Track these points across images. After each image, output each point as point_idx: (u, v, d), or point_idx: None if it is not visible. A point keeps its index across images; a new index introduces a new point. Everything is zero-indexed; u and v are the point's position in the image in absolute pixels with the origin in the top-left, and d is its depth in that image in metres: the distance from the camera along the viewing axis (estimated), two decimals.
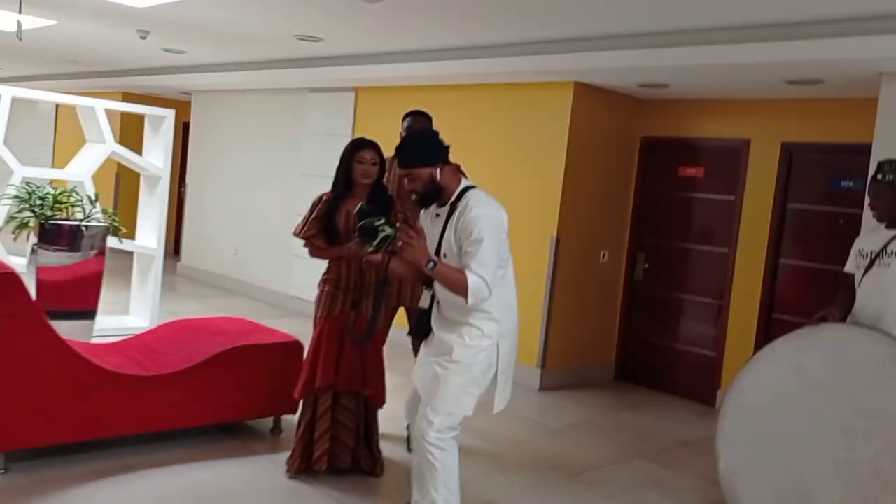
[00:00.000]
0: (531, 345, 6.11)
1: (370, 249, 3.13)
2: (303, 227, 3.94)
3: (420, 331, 3.29)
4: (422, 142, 3.10)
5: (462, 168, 3.26)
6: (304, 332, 7.54)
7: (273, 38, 6.57)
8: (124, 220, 5.71)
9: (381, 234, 3.09)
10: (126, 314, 6.93)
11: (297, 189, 8.39)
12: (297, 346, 4.51)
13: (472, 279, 2.88)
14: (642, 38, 5.14)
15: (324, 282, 4.00)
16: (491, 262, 2.91)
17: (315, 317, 4.03)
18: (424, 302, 3.33)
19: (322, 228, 3.89)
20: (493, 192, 3.19)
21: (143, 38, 6.91)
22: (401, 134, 4.51)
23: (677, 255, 6.38)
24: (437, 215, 3.13)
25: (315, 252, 4.00)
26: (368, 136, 3.96)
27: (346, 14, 5.47)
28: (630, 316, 6.65)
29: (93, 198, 5.56)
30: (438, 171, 3.02)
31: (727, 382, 5.94)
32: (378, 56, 6.83)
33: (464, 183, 3.12)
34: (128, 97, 10.95)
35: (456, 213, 3.02)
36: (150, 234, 6.67)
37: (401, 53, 6.63)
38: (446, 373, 3.03)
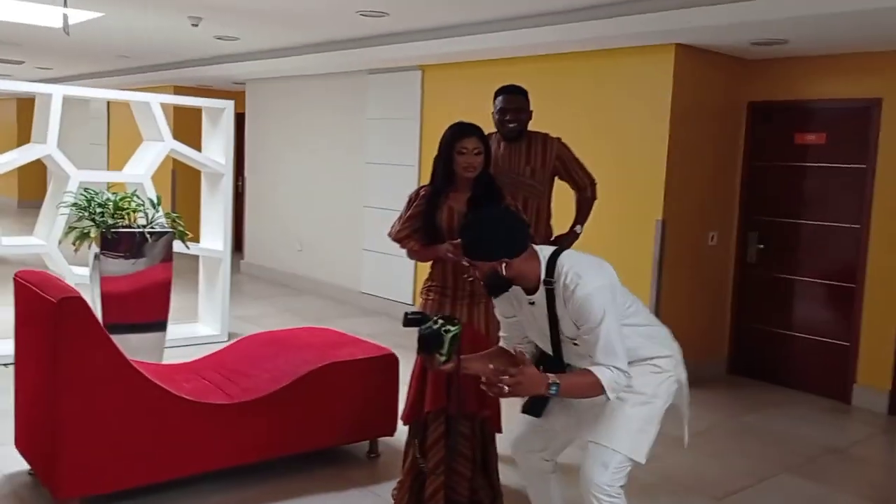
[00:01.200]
0: None
1: (443, 360, 2.52)
2: (397, 227, 3.42)
3: (537, 409, 2.67)
4: (482, 233, 2.51)
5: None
6: (381, 332, 7.14)
7: (333, 15, 6.03)
8: (185, 220, 5.27)
9: (448, 337, 2.50)
10: (195, 321, 6.53)
11: (361, 178, 7.88)
12: (393, 359, 3.99)
13: (605, 376, 2.37)
14: None
15: (427, 290, 3.46)
16: (618, 344, 2.39)
17: None
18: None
19: (418, 228, 3.37)
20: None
21: (195, 24, 6.44)
22: (493, 115, 3.95)
23: (796, 234, 5.69)
24: (532, 303, 2.54)
25: (412, 254, 3.48)
26: (466, 121, 3.39)
27: None
28: (743, 303, 5.99)
29: (155, 201, 5.11)
30: (504, 265, 2.46)
31: (865, 376, 5.27)
32: (446, 29, 6.24)
33: (543, 256, 2.52)
34: (179, 90, 10.56)
35: (558, 297, 2.45)
36: (215, 235, 6.23)
37: (472, 25, 6.03)
38: (623, 405, 2.49)
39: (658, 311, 5.45)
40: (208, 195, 6.32)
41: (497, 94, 3.97)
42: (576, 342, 2.47)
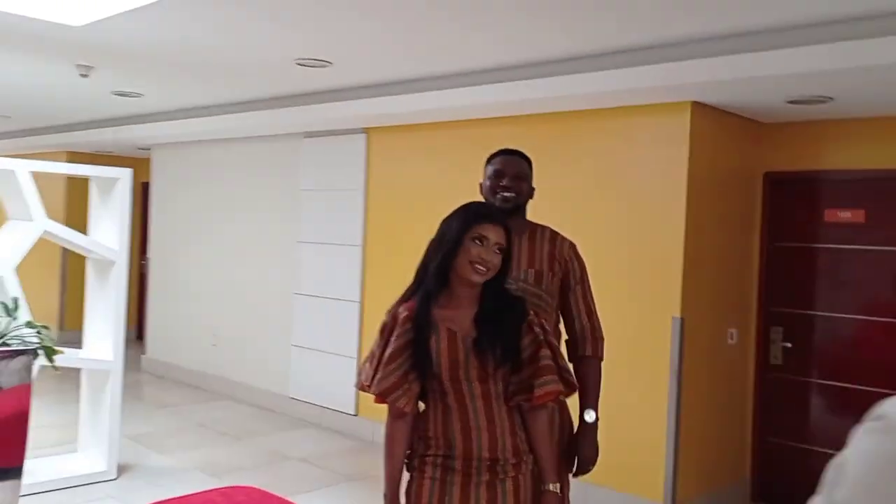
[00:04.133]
0: (655, 473, 4.35)
1: None
2: (373, 375, 2.20)
3: None
4: None
5: None
6: (317, 454, 5.74)
7: (261, 67, 4.85)
8: (73, 314, 3.89)
9: None
10: (74, 451, 5.02)
11: (292, 260, 6.59)
12: None
13: None
14: (800, 32, 3.55)
15: (422, 460, 2.23)
16: None
17: None
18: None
19: (411, 369, 2.19)
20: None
21: (85, 75, 5.15)
22: (480, 186, 2.82)
23: (829, 330, 4.71)
24: None
25: (391, 442, 2.27)
26: (484, 203, 2.27)
27: (364, 25, 3.79)
28: (767, 414, 4.93)
29: (11, 306, 3.70)
30: None
31: None
32: (400, 84, 5.14)
33: None
34: (74, 157, 9.10)
35: None
36: (102, 339, 4.82)
37: (431, 79, 4.94)
38: None
39: (679, 434, 4.32)
40: (96, 287, 4.92)
41: (491, 157, 2.84)
42: None
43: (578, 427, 2.72)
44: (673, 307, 4.31)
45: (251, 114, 6.20)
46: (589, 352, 2.73)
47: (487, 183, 2.77)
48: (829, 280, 4.71)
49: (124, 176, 4.78)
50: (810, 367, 4.78)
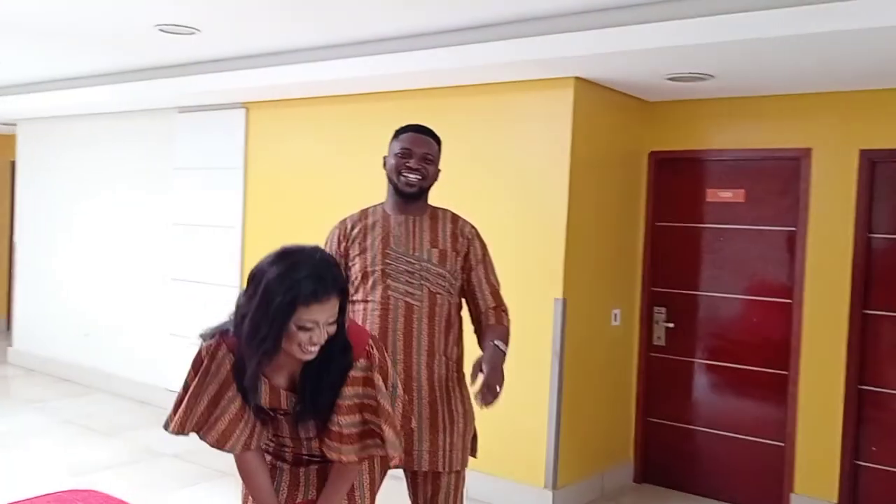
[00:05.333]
0: (536, 458, 4.26)
1: None
2: (174, 412, 1.95)
3: None
4: None
5: None
6: (193, 450, 5.42)
7: (124, 32, 4.47)
8: None
9: None
10: None
11: (167, 244, 6.20)
12: None
13: None
14: (677, 6, 3.48)
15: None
16: None
17: None
18: None
19: (241, 409, 1.95)
20: None
21: None
22: (384, 162, 2.63)
23: (712, 309, 4.72)
24: None
25: (247, 475, 2.08)
26: (308, 251, 1.90)
27: None
28: (650, 395, 4.92)
29: None
30: None
31: (805, 484, 4.30)
32: (278, 55, 4.84)
33: None
34: None
35: None
36: None
37: (311, 49, 4.68)
38: None
39: (560, 418, 4.24)
40: None
41: (398, 132, 2.64)
42: None
43: (485, 352, 2.47)
44: (555, 289, 4.21)
45: (120, 86, 5.76)
46: (493, 321, 2.61)
47: (392, 161, 2.59)
48: (711, 260, 4.72)
49: None
50: (693, 347, 4.78)
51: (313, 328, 1.81)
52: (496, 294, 2.65)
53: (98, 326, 6.82)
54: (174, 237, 6.13)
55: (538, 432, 4.24)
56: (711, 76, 4.01)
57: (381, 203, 2.68)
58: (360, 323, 2.50)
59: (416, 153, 2.56)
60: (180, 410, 1.92)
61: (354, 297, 2.58)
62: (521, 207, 4.35)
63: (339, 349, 1.90)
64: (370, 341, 2.00)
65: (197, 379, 1.92)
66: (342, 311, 1.89)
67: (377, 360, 1.98)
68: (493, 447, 3.34)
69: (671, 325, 4.82)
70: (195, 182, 5.98)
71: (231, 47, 4.78)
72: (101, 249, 6.79)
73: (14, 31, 4.57)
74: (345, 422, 1.92)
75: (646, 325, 4.89)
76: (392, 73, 4.43)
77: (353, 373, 1.93)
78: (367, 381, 1.94)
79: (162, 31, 4.35)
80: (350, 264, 2.60)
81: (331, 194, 5.03)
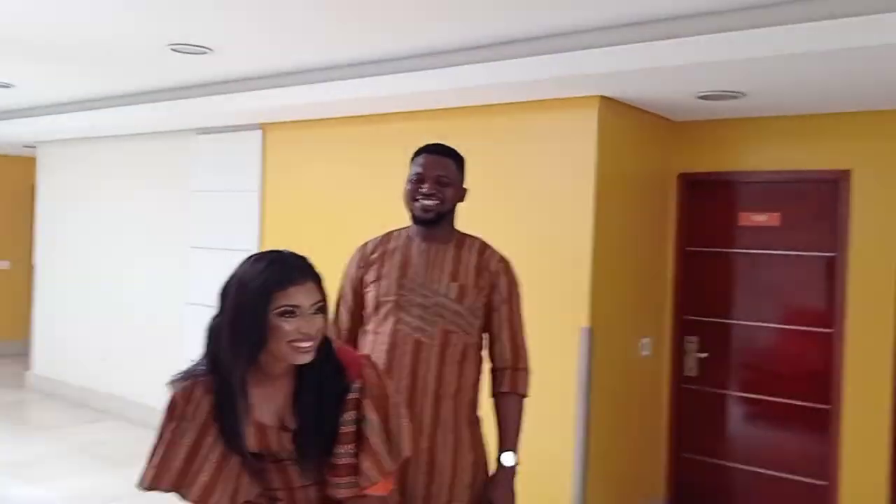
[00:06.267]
0: (561, 495, 4.03)
1: None
2: (148, 464, 1.69)
3: None
4: None
5: None
6: None
7: (133, 49, 4.37)
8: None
9: None
10: None
11: (184, 268, 6.09)
12: None
13: None
14: (705, 20, 3.29)
15: None
16: None
17: None
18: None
19: (223, 460, 1.69)
20: None
21: None
22: (410, 180, 2.42)
23: (748, 339, 4.48)
24: None
25: None
26: (292, 250, 1.77)
27: (250, 8, 3.39)
28: (682, 428, 4.68)
29: None
30: None
31: None
32: (294, 75, 4.72)
33: None
34: None
35: None
36: None
37: (332, 68, 4.55)
38: None
39: (587, 445, 4.02)
40: None
41: (414, 154, 2.47)
42: None
43: (495, 471, 2.36)
44: (581, 317, 4.00)
45: (138, 107, 5.68)
46: (507, 388, 2.39)
47: (407, 187, 2.40)
48: (746, 287, 4.49)
49: None
50: (727, 379, 4.54)
51: (297, 315, 1.63)
52: (516, 346, 2.42)
53: (115, 351, 6.72)
54: (192, 261, 6.02)
55: (563, 468, 4.02)
56: (743, 94, 3.81)
57: (408, 227, 2.50)
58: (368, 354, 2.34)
59: (429, 176, 2.37)
60: (154, 462, 1.68)
61: (365, 328, 2.41)
62: (543, 232, 4.16)
63: (331, 371, 1.72)
64: (364, 361, 1.81)
65: (172, 425, 1.69)
66: (325, 308, 1.70)
67: (372, 380, 1.78)
68: (518, 481, 3.13)
69: (704, 354, 4.59)
70: (213, 204, 5.87)
71: (245, 67, 4.67)
72: (120, 272, 6.70)
73: (31, 52, 4.51)
74: (351, 451, 1.73)
75: (677, 354, 4.65)
76: (409, 93, 4.28)
77: (349, 395, 1.74)
78: (357, 405, 1.74)
79: (175, 50, 4.25)
80: (365, 291, 2.42)
81: (348, 217, 4.88)
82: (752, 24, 3.19)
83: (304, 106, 4.84)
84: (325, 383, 1.70)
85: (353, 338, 2.46)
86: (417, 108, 4.60)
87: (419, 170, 2.38)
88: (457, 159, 2.45)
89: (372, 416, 1.74)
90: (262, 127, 5.55)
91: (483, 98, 4.25)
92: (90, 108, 6.04)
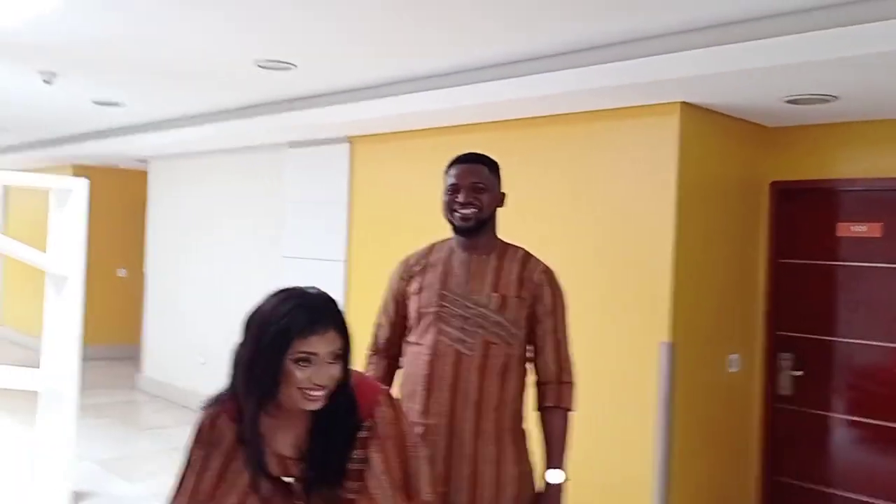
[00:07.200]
0: None
1: None
2: (177, 491, 1.72)
3: None
4: None
5: None
6: None
7: (222, 66, 4.56)
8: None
9: None
10: (31, 478, 4.76)
11: (278, 276, 6.28)
12: None
13: None
14: (791, 19, 3.11)
15: None
16: None
17: None
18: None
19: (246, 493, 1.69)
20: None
21: (48, 81, 4.93)
22: (445, 192, 2.43)
23: (848, 357, 4.20)
24: None
25: None
26: (309, 294, 1.72)
27: (329, 23, 3.48)
28: (775, 451, 4.43)
29: None
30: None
31: None
32: (378, 88, 4.80)
33: None
34: (79, 171, 9.01)
35: None
36: (57, 361, 4.55)
37: (414, 80, 4.59)
38: None
39: (668, 467, 3.87)
40: (53, 303, 4.66)
41: (448, 166, 2.48)
42: None
43: (544, 489, 2.32)
44: (661, 332, 3.86)
45: (234, 122, 5.92)
46: (552, 402, 2.33)
47: (444, 199, 2.41)
48: (845, 301, 4.21)
49: (79, 187, 4.53)
50: (825, 399, 4.27)
51: (312, 363, 1.61)
52: (561, 359, 2.35)
53: (215, 355, 7.00)
54: (284, 270, 6.21)
55: (643, 490, 3.88)
56: (835, 97, 3.58)
57: (451, 238, 2.49)
58: (410, 367, 2.33)
59: (464, 185, 2.37)
60: (183, 488, 1.70)
61: (408, 339, 2.41)
62: (622, 243, 4.05)
63: (344, 409, 1.69)
64: (380, 398, 1.77)
65: (200, 452, 1.71)
66: (346, 353, 1.68)
67: (386, 420, 1.74)
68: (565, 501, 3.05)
69: (799, 373, 4.33)
70: (304, 215, 6.05)
71: (331, 81, 4.78)
72: (220, 280, 7.00)
73: (134, 72, 4.78)
74: (357, 488, 1.70)
75: (769, 372, 4.42)
76: (491, 102, 4.26)
77: (360, 434, 1.72)
78: (365, 445, 1.71)
79: (261, 66, 4.41)
80: (407, 303, 2.43)
81: (433, 227, 4.87)
82: (843, 20, 3.00)
83: (388, 118, 4.92)
84: (338, 420, 1.69)
85: (391, 349, 2.48)
86: (499, 118, 4.59)
87: (453, 180, 2.38)
88: (490, 165, 2.43)
89: (375, 457, 1.70)
90: (350, 139, 5.67)
91: (563, 107, 4.19)
92: (192, 125, 6.35)
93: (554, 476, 2.28)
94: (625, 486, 3.95)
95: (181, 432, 6.38)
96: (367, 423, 1.72)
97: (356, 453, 1.71)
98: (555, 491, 2.28)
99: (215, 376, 7.27)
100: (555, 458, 2.30)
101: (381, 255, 5.35)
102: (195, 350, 7.23)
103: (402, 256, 2.60)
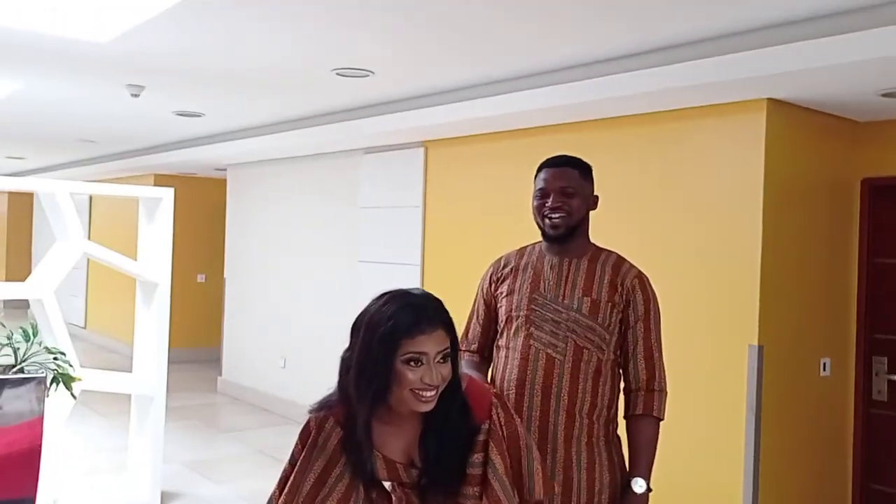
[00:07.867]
0: None
1: None
2: (280, 488, 1.74)
3: None
4: None
5: None
6: None
7: (300, 75, 4.64)
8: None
9: None
10: (123, 478, 4.93)
11: (354, 281, 6.37)
12: None
13: None
14: (887, 10, 2.98)
15: None
16: None
17: None
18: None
19: (349, 490, 1.71)
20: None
21: (136, 95, 5.10)
22: (535, 196, 2.39)
23: None
24: None
25: None
26: (417, 294, 1.72)
27: (407, 29, 3.50)
28: (871, 457, 4.26)
29: (31, 331, 3.59)
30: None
31: None
32: (454, 92, 4.82)
33: None
34: (160, 180, 9.32)
35: None
36: (147, 365, 4.70)
37: (488, 84, 4.60)
38: None
39: (757, 473, 3.76)
40: (143, 309, 4.82)
41: (538, 169, 2.45)
42: None
43: (625, 498, 2.26)
44: (749, 334, 3.76)
45: (311, 129, 6.03)
46: (641, 409, 2.29)
47: (534, 203, 2.39)
48: None
49: (167, 196, 4.67)
50: None
51: (422, 363, 1.62)
52: (652, 366, 2.29)
53: (293, 359, 7.13)
54: (360, 274, 6.28)
55: (731, 497, 3.78)
56: None
57: (542, 241, 2.47)
58: (500, 370, 2.31)
59: (553, 189, 2.32)
60: (288, 487, 1.72)
61: (498, 342, 2.40)
62: (708, 244, 3.95)
63: (458, 412, 1.70)
64: (494, 400, 1.77)
65: (304, 452, 1.73)
66: (455, 353, 1.68)
67: (501, 421, 1.74)
68: None
69: (895, 377, 4.16)
70: (379, 220, 6.11)
71: (406, 87, 4.82)
72: (297, 285, 7.13)
73: (215, 83, 4.91)
74: (477, 493, 1.71)
75: (864, 376, 4.25)
76: (567, 104, 4.23)
77: (477, 437, 1.72)
78: (485, 447, 1.72)
79: (339, 74, 4.47)
80: (498, 305, 2.42)
81: (508, 231, 4.89)
82: None
83: (462, 122, 4.93)
84: (451, 424, 1.69)
85: (482, 352, 2.47)
86: (576, 119, 4.55)
87: (542, 185, 2.35)
88: (580, 167, 2.38)
89: (497, 459, 1.71)
90: (425, 144, 5.70)
91: (646, 106, 4.12)
92: (270, 133, 6.49)
93: (638, 486, 2.23)
94: (712, 493, 3.85)
95: (262, 435, 6.54)
96: (484, 426, 1.72)
97: (475, 457, 1.71)
98: (639, 500, 2.23)
99: (294, 380, 7.50)
100: (640, 467, 2.25)
101: (456, 260, 5.37)
102: (274, 354, 7.37)
103: (476, 260, 2.59)
